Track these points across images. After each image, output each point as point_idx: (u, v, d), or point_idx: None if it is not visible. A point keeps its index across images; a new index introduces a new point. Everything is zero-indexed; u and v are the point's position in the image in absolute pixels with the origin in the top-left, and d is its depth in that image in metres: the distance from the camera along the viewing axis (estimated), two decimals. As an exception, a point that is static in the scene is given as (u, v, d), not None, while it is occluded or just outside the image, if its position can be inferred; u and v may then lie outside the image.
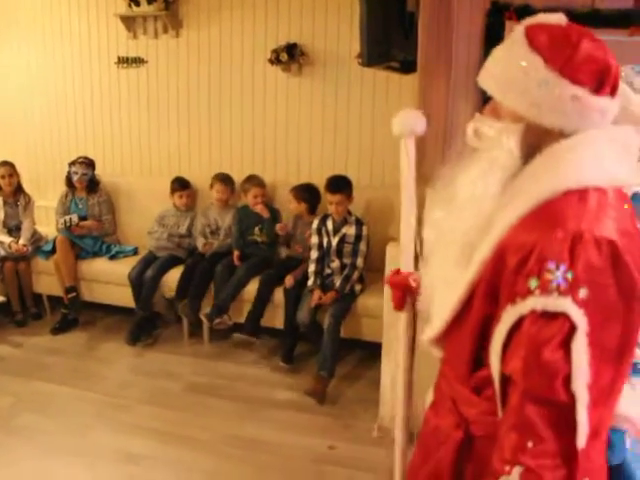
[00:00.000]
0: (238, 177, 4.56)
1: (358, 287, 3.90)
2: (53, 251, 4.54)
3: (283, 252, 4.35)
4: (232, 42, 4.65)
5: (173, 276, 4.29)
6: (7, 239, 4.54)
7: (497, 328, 1.10)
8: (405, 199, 1.80)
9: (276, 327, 4.06)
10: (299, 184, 4.26)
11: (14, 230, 4.65)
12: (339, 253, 3.92)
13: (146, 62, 4.92)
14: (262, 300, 4.03)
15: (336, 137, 4.54)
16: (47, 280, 4.61)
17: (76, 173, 4.64)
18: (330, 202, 3.92)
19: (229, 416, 3.38)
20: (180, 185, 4.61)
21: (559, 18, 1.14)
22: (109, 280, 4.47)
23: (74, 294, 4.42)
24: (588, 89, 1.09)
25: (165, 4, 4.60)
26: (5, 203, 4.64)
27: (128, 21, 4.80)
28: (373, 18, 3.18)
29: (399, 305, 1.74)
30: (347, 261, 3.91)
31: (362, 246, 3.92)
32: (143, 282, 4.26)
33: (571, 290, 0.98)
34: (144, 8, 4.63)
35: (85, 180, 4.67)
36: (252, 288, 4.08)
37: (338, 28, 4.35)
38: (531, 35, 1.12)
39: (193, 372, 3.88)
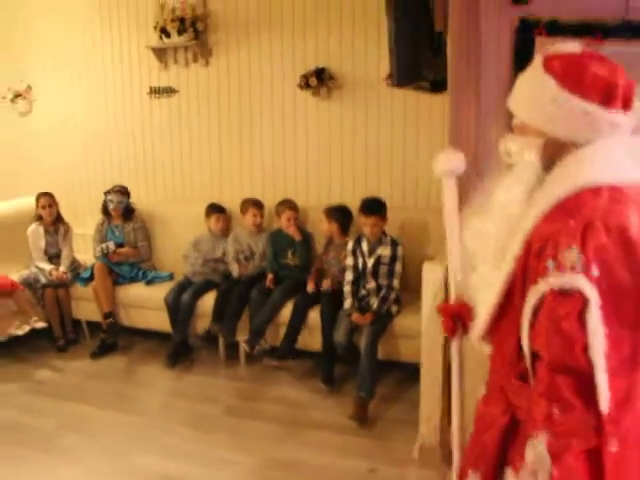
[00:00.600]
0: (271, 202, 4.61)
1: (394, 308, 3.89)
2: (91, 278, 4.63)
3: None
4: (261, 68, 4.73)
5: (208, 300, 4.34)
6: (48, 266, 4.66)
7: (524, 309, 1.25)
8: (450, 235, 1.85)
9: (312, 350, 4.07)
10: (331, 205, 4.29)
11: (54, 258, 4.77)
12: (375, 274, 3.93)
13: (177, 91, 5.03)
14: (296, 322, 4.05)
15: (367, 159, 4.57)
16: (86, 306, 4.69)
17: (112, 201, 4.74)
18: (364, 224, 3.94)
19: (268, 438, 3.39)
20: (216, 209, 4.67)
21: (574, 46, 1.33)
22: (146, 305, 4.53)
23: (112, 319, 4.50)
24: (597, 104, 1.25)
25: (195, 34, 4.71)
26: (46, 232, 4.76)
27: (159, 52, 4.92)
28: (402, 39, 3.23)
29: (451, 332, 1.80)
30: (383, 282, 3.91)
31: (398, 267, 3.92)
32: (179, 306, 4.33)
33: (583, 269, 1.14)
34: (174, 39, 4.75)
35: (120, 208, 4.77)
36: (287, 311, 4.10)
37: (365, 50, 4.40)
38: (547, 61, 1.32)
39: (231, 395, 3.90)
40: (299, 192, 4.76)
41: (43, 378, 4.19)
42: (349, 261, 4.00)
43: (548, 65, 1.30)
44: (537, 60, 1.34)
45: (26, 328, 4.30)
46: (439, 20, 3.35)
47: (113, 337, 4.54)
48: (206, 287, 4.44)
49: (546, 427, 1.16)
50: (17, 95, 5.44)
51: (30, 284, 4.59)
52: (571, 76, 1.27)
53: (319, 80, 4.47)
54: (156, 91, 5.08)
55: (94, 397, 3.89)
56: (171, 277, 4.75)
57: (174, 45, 4.82)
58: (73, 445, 3.34)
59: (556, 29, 2.88)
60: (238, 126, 4.91)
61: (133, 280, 4.69)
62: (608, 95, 1.25)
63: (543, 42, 2.93)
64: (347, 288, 3.95)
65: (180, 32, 4.71)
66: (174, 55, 4.95)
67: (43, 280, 4.61)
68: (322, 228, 4.26)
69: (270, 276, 4.32)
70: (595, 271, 1.13)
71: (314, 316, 4.02)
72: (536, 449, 1.16)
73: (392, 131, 4.46)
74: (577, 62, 1.28)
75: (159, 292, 4.49)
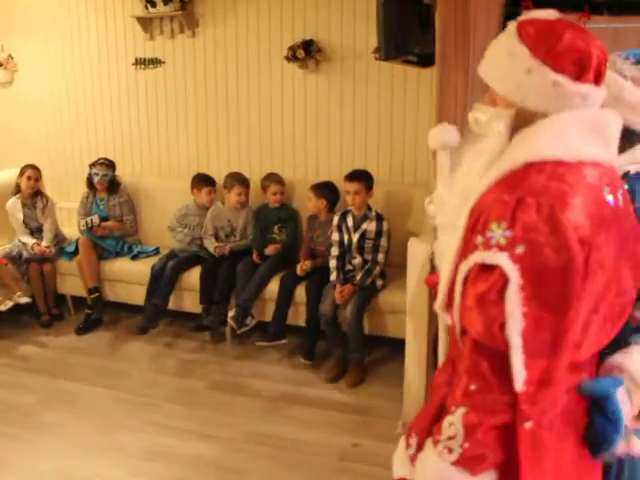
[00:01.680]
0: (256, 176, 4.56)
1: (379, 282, 3.89)
2: (76, 252, 4.58)
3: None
4: (248, 40, 4.65)
5: (194, 275, 4.31)
6: (30, 241, 4.58)
7: (455, 284, 1.23)
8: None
9: (298, 324, 4.06)
10: (318, 182, 4.25)
11: (36, 232, 4.69)
12: (360, 249, 3.92)
13: (163, 62, 4.94)
14: (284, 301, 4.03)
15: (355, 134, 4.52)
16: (71, 281, 4.65)
17: (97, 174, 4.67)
18: (348, 192, 3.91)
19: (253, 414, 3.39)
20: (205, 181, 4.58)
21: (550, 13, 1.25)
22: (131, 280, 4.50)
23: (97, 294, 4.46)
24: (569, 76, 1.19)
25: (181, 4, 4.62)
26: (24, 205, 4.67)
27: (145, 22, 4.81)
28: (390, 12, 3.16)
29: None
30: (368, 257, 3.90)
31: (383, 242, 3.91)
32: (163, 275, 4.29)
33: (508, 246, 1.10)
34: (160, 9, 4.64)
35: (106, 181, 4.70)
36: (274, 287, 4.08)
37: (354, 23, 4.33)
38: (520, 28, 1.24)
39: (216, 371, 3.90)
40: (286, 167, 4.71)
41: (27, 354, 4.16)
42: (335, 236, 3.98)
43: (522, 33, 1.23)
44: (511, 27, 1.27)
45: (9, 304, 4.25)
46: (428, -8, 3.29)
47: (98, 312, 4.50)
48: (192, 261, 4.41)
49: (464, 403, 1.16)
50: (-2, 65, 5.32)
51: (14, 258, 4.54)
52: (544, 45, 1.20)
53: (306, 52, 4.40)
54: (141, 62, 4.99)
55: (79, 373, 3.87)
56: (157, 251, 4.71)
57: (160, 15, 4.71)
58: (57, 421, 3.33)
59: (543, 3, 2.83)
60: (224, 98, 4.83)
61: (118, 254, 4.65)
62: (581, 67, 1.19)
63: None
64: (333, 263, 3.93)
65: (166, 1, 4.61)
66: (160, 25, 4.85)
67: (26, 255, 4.55)
68: (309, 205, 4.23)
69: (256, 253, 4.28)
70: (520, 249, 1.09)
71: (300, 291, 4.01)
72: (452, 424, 1.16)
73: (379, 105, 4.41)
74: (551, 30, 1.21)
75: (145, 267, 4.45)
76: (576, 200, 1.12)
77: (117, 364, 4.00)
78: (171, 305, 4.38)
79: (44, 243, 4.60)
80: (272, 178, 4.42)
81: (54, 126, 5.38)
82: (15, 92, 5.47)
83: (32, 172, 4.69)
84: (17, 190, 4.70)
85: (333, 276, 3.90)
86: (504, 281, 1.10)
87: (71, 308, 4.76)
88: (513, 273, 1.09)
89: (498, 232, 1.11)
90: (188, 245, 4.49)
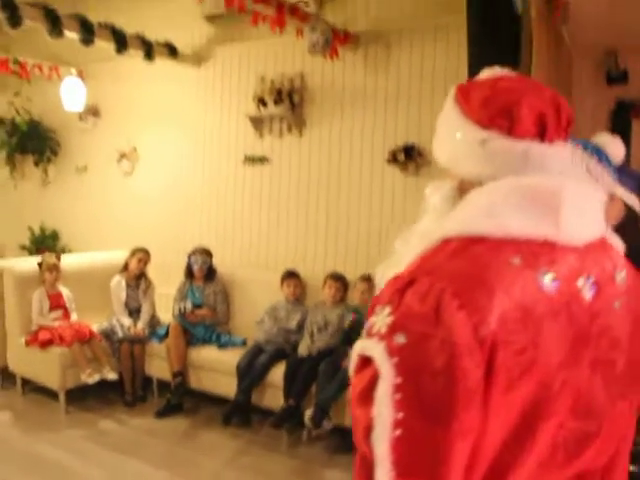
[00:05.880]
0: (352, 275, 4.53)
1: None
2: (166, 336, 4.69)
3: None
4: (352, 141, 4.76)
5: (279, 370, 4.25)
6: (127, 321, 4.76)
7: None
8: None
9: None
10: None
11: (134, 312, 4.87)
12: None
13: (270, 160, 5.14)
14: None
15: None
16: (159, 364, 4.73)
17: (196, 262, 4.83)
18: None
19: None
20: (288, 275, 4.66)
21: (493, 71, 1.08)
22: (216, 369, 4.50)
23: (180, 379, 4.49)
24: (498, 131, 0.98)
25: (290, 105, 4.84)
26: (128, 285, 4.89)
27: (256, 121, 5.08)
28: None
29: None
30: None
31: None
32: (251, 370, 4.27)
33: (388, 335, 0.87)
34: (271, 109, 4.89)
35: (205, 268, 4.85)
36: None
37: (457, 129, 4.33)
38: (457, 90, 1.07)
39: (286, 471, 3.74)
40: (381, 268, 4.64)
41: (106, 429, 4.22)
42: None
43: (457, 94, 1.06)
44: (452, 91, 1.10)
45: (96, 377, 4.39)
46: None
47: (179, 397, 4.51)
48: (278, 356, 4.36)
49: None
50: (122, 156, 5.76)
51: (108, 336, 4.71)
52: (472, 100, 1.01)
53: (407, 156, 4.43)
54: (250, 159, 5.22)
55: (149, 454, 3.86)
56: (244, 343, 4.72)
57: (270, 115, 4.97)
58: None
59: None
60: (325, 198, 4.92)
61: (206, 342, 4.69)
62: (509, 118, 0.97)
63: None
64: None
65: (276, 102, 4.86)
66: (270, 124, 5.09)
67: (120, 334, 4.70)
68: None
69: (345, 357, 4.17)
70: (399, 339, 0.86)
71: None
72: None
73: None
74: (482, 84, 1.04)
75: (230, 357, 4.46)
76: (484, 284, 0.88)
77: (189, 452, 3.94)
78: (253, 400, 4.32)
79: (140, 325, 4.76)
80: (365, 279, 4.37)
81: (164, 215, 5.67)
82: (134, 181, 5.86)
83: (143, 255, 4.94)
84: (124, 269, 4.92)
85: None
86: (375, 377, 0.87)
87: (155, 391, 4.81)
88: (386, 369, 0.86)
89: (381, 317, 0.89)
90: (275, 336, 4.46)
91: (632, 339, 1.01)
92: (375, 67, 4.66)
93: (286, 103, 4.85)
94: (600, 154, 1.69)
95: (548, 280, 0.92)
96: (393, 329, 0.87)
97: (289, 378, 4.15)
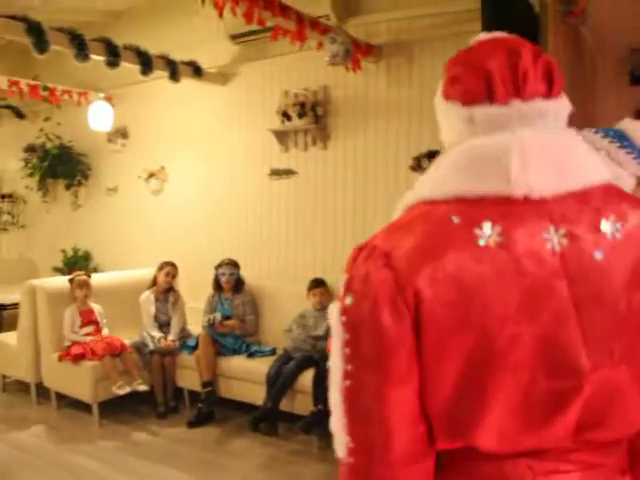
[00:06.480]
0: (378, 284, 4.54)
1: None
2: (196, 347, 4.72)
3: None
4: (376, 151, 4.82)
5: (307, 377, 4.25)
6: (157, 334, 4.82)
7: None
8: None
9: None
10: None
11: (164, 326, 4.93)
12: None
13: (296, 173, 5.21)
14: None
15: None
16: (189, 375, 4.76)
17: (224, 274, 4.89)
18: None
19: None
20: (314, 284, 4.69)
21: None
22: (246, 378, 4.52)
23: (210, 388, 4.52)
24: (453, 100, 1.02)
25: (315, 118, 4.92)
26: (156, 300, 4.96)
27: (281, 135, 5.16)
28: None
29: None
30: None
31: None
32: (280, 377, 4.28)
33: (342, 297, 0.97)
34: (295, 122, 4.98)
35: (232, 280, 4.89)
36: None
37: (480, 134, 4.36)
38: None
39: (318, 476, 3.74)
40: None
41: (139, 440, 4.25)
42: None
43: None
44: None
45: (127, 389, 4.44)
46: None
47: (209, 406, 4.53)
48: (306, 363, 4.37)
49: None
50: (151, 175, 5.88)
51: (139, 348, 4.77)
52: (444, 76, 1.07)
53: (431, 162, 4.46)
54: (276, 172, 5.30)
55: (182, 462, 3.87)
56: (273, 352, 4.73)
57: (295, 128, 5.05)
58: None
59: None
60: (352, 207, 4.97)
61: (236, 352, 4.72)
62: (458, 85, 1.01)
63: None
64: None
65: (300, 116, 4.94)
66: (294, 138, 5.17)
67: (151, 346, 4.76)
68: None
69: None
70: (348, 300, 0.95)
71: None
72: None
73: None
74: (451, 60, 1.06)
75: (260, 366, 4.47)
76: (415, 243, 0.93)
77: (221, 459, 3.95)
78: (283, 406, 4.33)
79: (170, 337, 4.82)
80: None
81: (192, 231, 5.77)
82: (163, 200, 5.98)
83: (171, 269, 5.01)
84: (152, 284, 5.00)
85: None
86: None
87: (187, 401, 4.84)
88: (337, 326, 0.96)
89: (341, 283, 0.99)
90: (302, 343, 4.48)
91: (625, 292, 0.94)
92: (398, 78, 4.73)
93: (310, 116, 4.93)
94: (622, 139, 1.69)
95: (489, 234, 0.91)
96: (345, 291, 0.96)
97: (317, 383, 4.15)
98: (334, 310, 0.97)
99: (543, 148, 0.95)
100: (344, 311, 0.95)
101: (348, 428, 0.95)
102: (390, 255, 0.93)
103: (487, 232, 0.91)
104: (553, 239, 0.93)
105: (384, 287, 0.91)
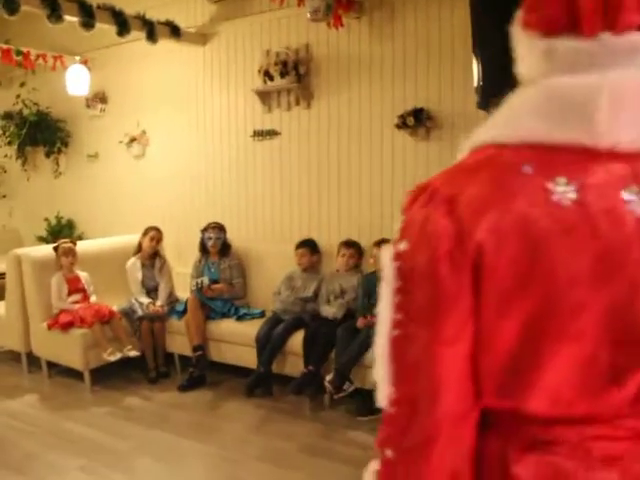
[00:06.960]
0: (367, 242, 4.54)
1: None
2: (185, 311, 4.72)
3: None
4: (360, 110, 4.76)
5: (298, 338, 4.28)
6: (146, 300, 4.80)
7: None
8: None
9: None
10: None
11: (152, 291, 4.91)
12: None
13: (279, 134, 5.15)
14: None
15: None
16: (179, 340, 4.77)
17: (210, 238, 4.86)
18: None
19: (342, 479, 3.21)
20: (300, 244, 4.69)
21: None
22: (236, 341, 4.54)
23: (201, 352, 4.53)
24: (531, 30, 0.89)
25: (297, 77, 4.84)
26: (143, 265, 4.94)
27: (263, 95, 5.08)
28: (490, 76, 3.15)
29: None
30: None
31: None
32: (270, 340, 4.30)
33: (396, 242, 0.88)
34: (277, 82, 4.89)
35: (219, 244, 4.87)
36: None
37: (464, 90, 4.30)
38: None
39: (310, 434, 3.77)
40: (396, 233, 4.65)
41: (131, 405, 4.27)
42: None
43: None
44: None
45: (118, 355, 4.44)
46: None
47: (201, 370, 4.55)
48: (296, 325, 4.39)
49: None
50: (132, 140, 5.79)
51: (127, 315, 4.76)
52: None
53: (417, 120, 4.42)
54: (259, 134, 5.23)
55: (175, 426, 3.90)
56: (262, 314, 4.75)
57: (277, 88, 4.97)
58: (147, 468, 3.36)
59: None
60: (336, 167, 4.93)
61: (225, 316, 4.73)
62: (537, 12, 0.87)
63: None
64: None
65: (283, 75, 4.85)
66: (277, 98, 5.10)
67: (140, 312, 4.75)
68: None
69: (361, 319, 4.20)
70: (403, 245, 0.86)
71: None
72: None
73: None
74: None
75: (250, 328, 4.49)
76: (479, 192, 0.84)
77: (214, 421, 3.99)
78: (274, 369, 4.36)
79: (158, 302, 4.80)
80: (377, 244, 4.38)
81: (176, 195, 5.71)
82: (146, 164, 5.90)
83: (155, 233, 4.97)
84: (138, 250, 4.97)
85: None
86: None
87: (178, 366, 4.85)
88: (389, 272, 0.87)
89: (397, 225, 0.90)
90: (291, 305, 4.49)
91: None
92: (380, 34, 4.65)
93: (292, 75, 4.85)
94: None
95: (564, 190, 0.82)
96: (400, 236, 0.88)
97: (308, 345, 4.18)
98: (386, 254, 0.89)
99: (636, 94, 0.82)
100: (397, 256, 0.87)
101: (393, 379, 0.89)
102: (452, 201, 0.84)
103: (561, 187, 0.82)
104: (635, 200, 0.82)
105: (444, 236, 0.83)
